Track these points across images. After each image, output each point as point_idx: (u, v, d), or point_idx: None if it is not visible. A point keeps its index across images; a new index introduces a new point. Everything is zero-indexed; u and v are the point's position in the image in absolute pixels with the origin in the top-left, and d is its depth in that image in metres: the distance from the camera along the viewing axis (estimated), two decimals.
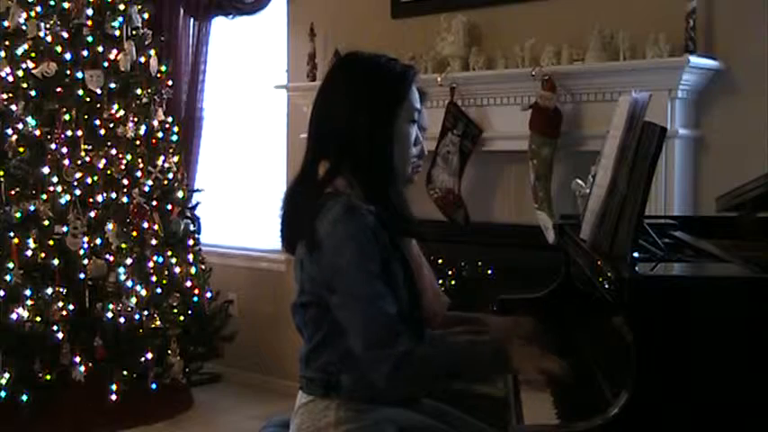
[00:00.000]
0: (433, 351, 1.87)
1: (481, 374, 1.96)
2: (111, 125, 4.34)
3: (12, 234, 4.06)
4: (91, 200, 4.22)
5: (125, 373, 4.10)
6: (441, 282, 3.68)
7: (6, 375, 3.91)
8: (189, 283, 4.48)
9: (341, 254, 1.83)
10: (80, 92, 4.28)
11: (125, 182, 4.32)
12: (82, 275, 4.12)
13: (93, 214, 4.21)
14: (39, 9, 4.33)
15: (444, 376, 1.93)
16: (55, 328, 3.98)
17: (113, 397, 4.05)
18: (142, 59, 4.51)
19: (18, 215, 4.09)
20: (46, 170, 4.16)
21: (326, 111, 1.97)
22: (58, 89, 4.27)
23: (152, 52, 4.58)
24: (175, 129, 4.68)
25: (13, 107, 4.23)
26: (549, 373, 1.84)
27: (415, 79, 1.99)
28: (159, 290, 4.31)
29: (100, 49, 4.35)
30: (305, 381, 1.98)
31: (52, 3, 4.33)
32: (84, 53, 4.31)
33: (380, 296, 1.81)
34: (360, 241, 1.82)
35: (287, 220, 2.00)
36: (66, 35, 4.31)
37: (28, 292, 3.98)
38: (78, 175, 4.19)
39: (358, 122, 1.91)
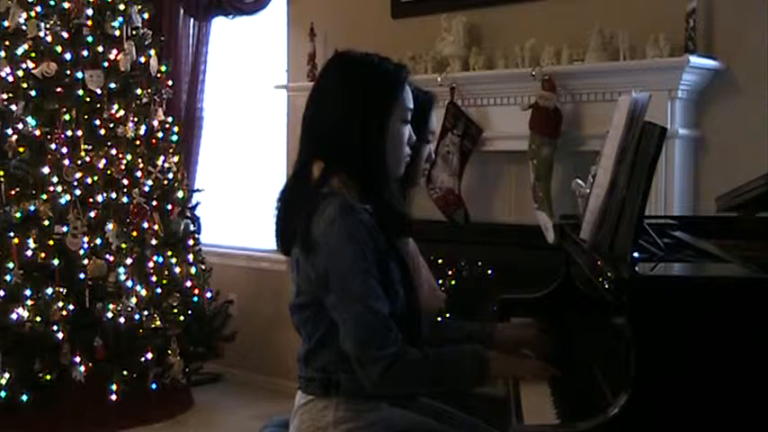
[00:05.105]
0: (422, 356, 1.86)
1: (462, 383, 1.95)
2: (111, 125, 4.33)
3: (12, 234, 4.05)
4: (91, 200, 4.22)
5: (125, 373, 4.09)
6: (440, 282, 3.69)
7: (6, 375, 3.91)
8: (189, 283, 4.48)
9: (337, 254, 1.82)
10: (80, 92, 4.27)
11: (125, 182, 4.31)
12: (82, 275, 4.12)
13: (93, 214, 4.20)
14: (39, 9, 4.31)
15: (428, 383, 1.92)
16: (55, 328, 3.98)
17: (113, 397, 4.04)
18: (142, 59, 4.50)
19: (18, 215, 4.09)
20: (46, 170, 4.15)
21: (319, 110, 1.97)
22: (58, 89, 4.27)
23: (152, 52, 4.58)
24: (175, 129, 4.68)
25: (13, 107, 4.22)
26: (526, 380, 1.89)
27: (407, 79, 1.98)
28: (159, 290, 4.31)
29: (100, 49, 4.35)
30: (304, 381, 1.98)
31: (52, 3, 4.32)
32: (84, 53, 4.30)
33: (374, 296, 1.81)
34: (356, 241, 1.82)
35: (282, 220, 2.00)
36: (66, 35, 4.30)
37: (28, 292, 3.98)
38: (78, 175, 4.19)
39: (351, 122, 1.91)
